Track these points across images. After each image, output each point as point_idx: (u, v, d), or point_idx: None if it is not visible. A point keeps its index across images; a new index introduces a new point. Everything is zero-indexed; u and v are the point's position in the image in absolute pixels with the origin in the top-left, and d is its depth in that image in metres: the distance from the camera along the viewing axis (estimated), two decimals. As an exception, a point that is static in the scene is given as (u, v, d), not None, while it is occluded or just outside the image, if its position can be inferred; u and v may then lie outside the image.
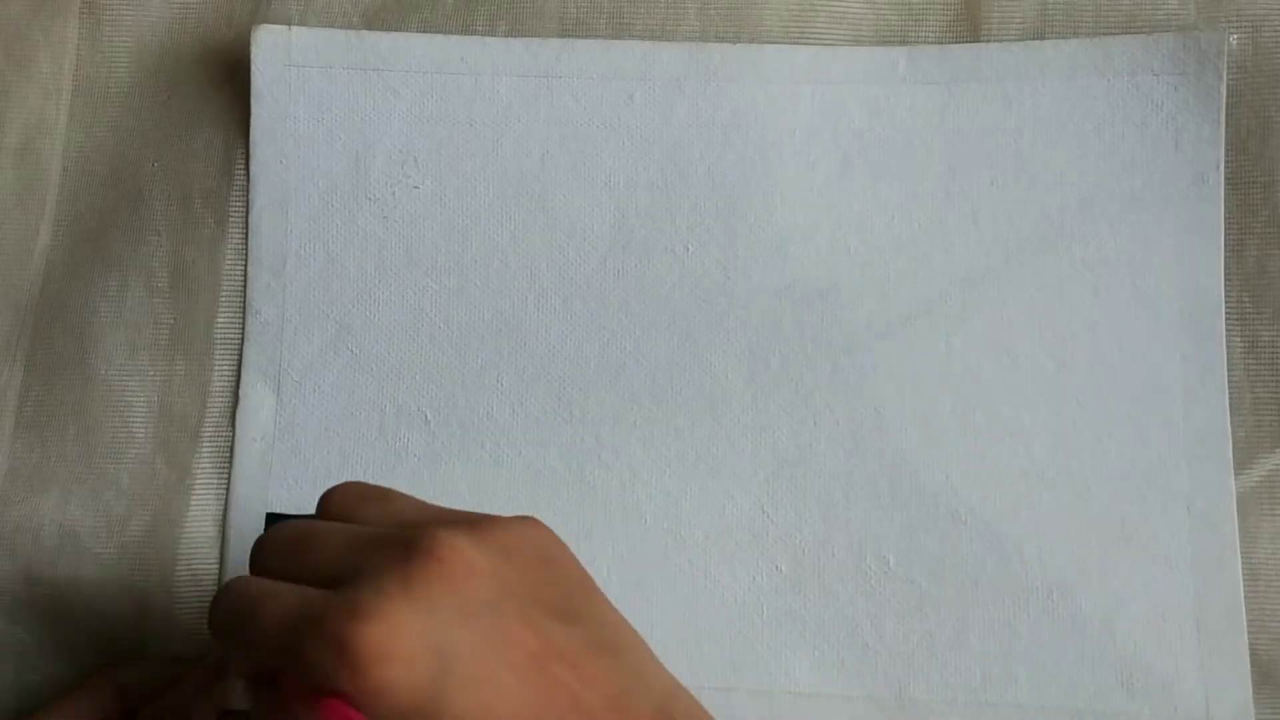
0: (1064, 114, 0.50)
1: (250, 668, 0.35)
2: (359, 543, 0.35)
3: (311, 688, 0.32)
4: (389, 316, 0.50)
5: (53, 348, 0.51)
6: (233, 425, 0.50)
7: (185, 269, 0.51)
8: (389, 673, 0.30)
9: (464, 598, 0.32)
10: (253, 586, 0.35)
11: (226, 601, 0.35)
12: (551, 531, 0.37)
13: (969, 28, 0.51)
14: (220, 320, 0.51)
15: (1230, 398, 0.48)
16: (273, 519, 0.49)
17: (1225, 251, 0.49)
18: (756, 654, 0.47)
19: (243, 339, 0.51)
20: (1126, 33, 0.50)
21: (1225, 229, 0.49)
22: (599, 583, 0.38)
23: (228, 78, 0.52)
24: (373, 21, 0.52)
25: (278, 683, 0.34)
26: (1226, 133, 0.49)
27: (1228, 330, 0.48)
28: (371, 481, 0.47)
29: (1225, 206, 0.49)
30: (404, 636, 0.31)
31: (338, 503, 0.38)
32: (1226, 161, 0.49)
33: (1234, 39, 0.50)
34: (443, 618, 0.32)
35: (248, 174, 0.51)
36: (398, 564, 0.33)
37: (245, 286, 0.51)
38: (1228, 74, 0.49)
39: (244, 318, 0.51)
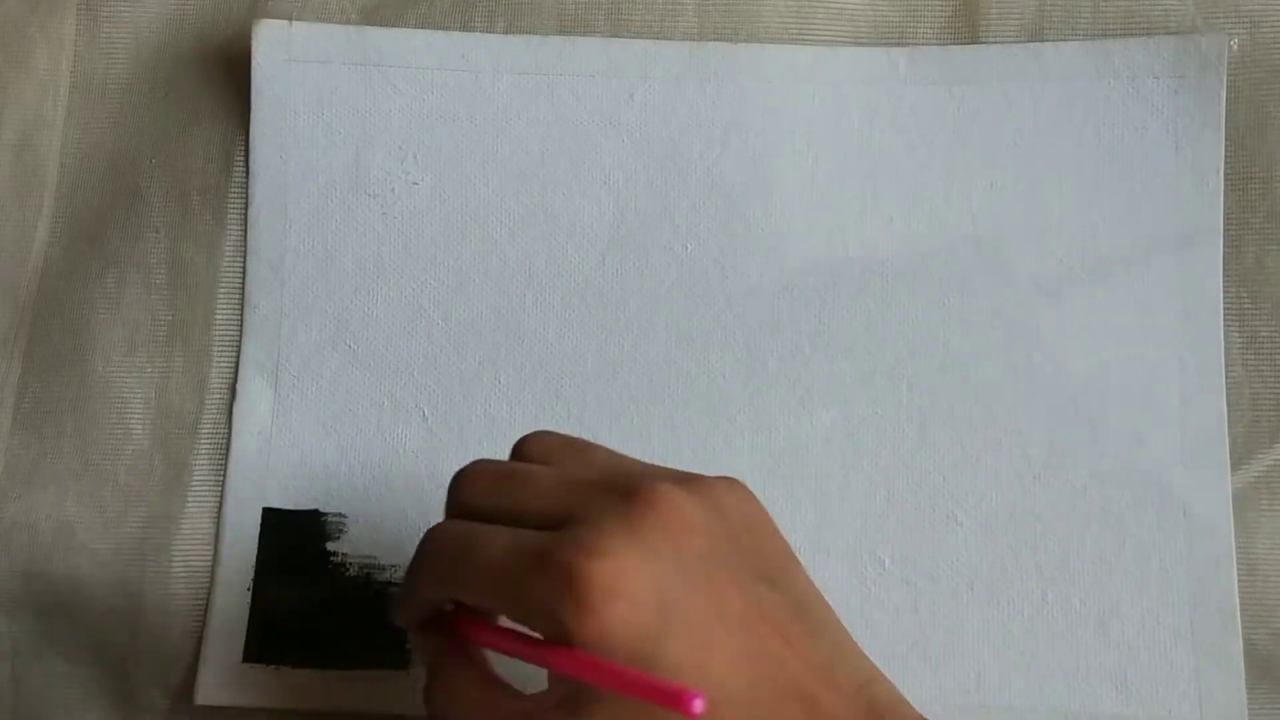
0: (1064, 116, 0.49)
1: (420, 613, 0.35)
2: (575, 486, 0.34)
3: (518, 634, 0.32)
4: (387, 312, 0.50)
5: (50, 344, 0.50)
6: (230, 420, 0.49)
7: (183, 265, 0.50)
8: (616, 610, 0.30)
9: (682, 550, 0.32)
10: (469, 527, 0.34)
11: (442, 540, 0.34)
12: (754, 496, 0.36)
13: (967, 24, 0.50)
14: (219, 317, 0.50)
15: (1228, 394, 0.47)
16: (270, 514, 0.48)
17: (1223, 248, 0.48)
18: (751, 653, 0.46)
19: (240, 334, 0.50)
20: (1125, 28, 0.49)
21: (1223, 225, 0.48)
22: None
23: (225, 74, 0.52)
24: (370, 17, 0.51)
25: (450, 627, 0.34)
26: (1225, 129, 0.48)
27: (1226, 326, 0.48)
28: (368, 478, 0.47)
29: (1223, 203, 0.48)
30: (632, 577, 0.30)
31: (536, 449, 0.37)
32: (1224, 158, 0.48)
33: (1235, 42, 0.49)
34: (664, 565, 0.31)
35: (246, 169, 0.51)
36: (619, 509, 0.32)
37: (244, 281, 0.50)
38: (1226, 70, 0.48)
39: (242, 313, 0.50)
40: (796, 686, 0.32)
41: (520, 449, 0.38)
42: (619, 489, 0.33)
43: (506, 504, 0.34)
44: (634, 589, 0.30)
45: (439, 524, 0.35)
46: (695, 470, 0.35)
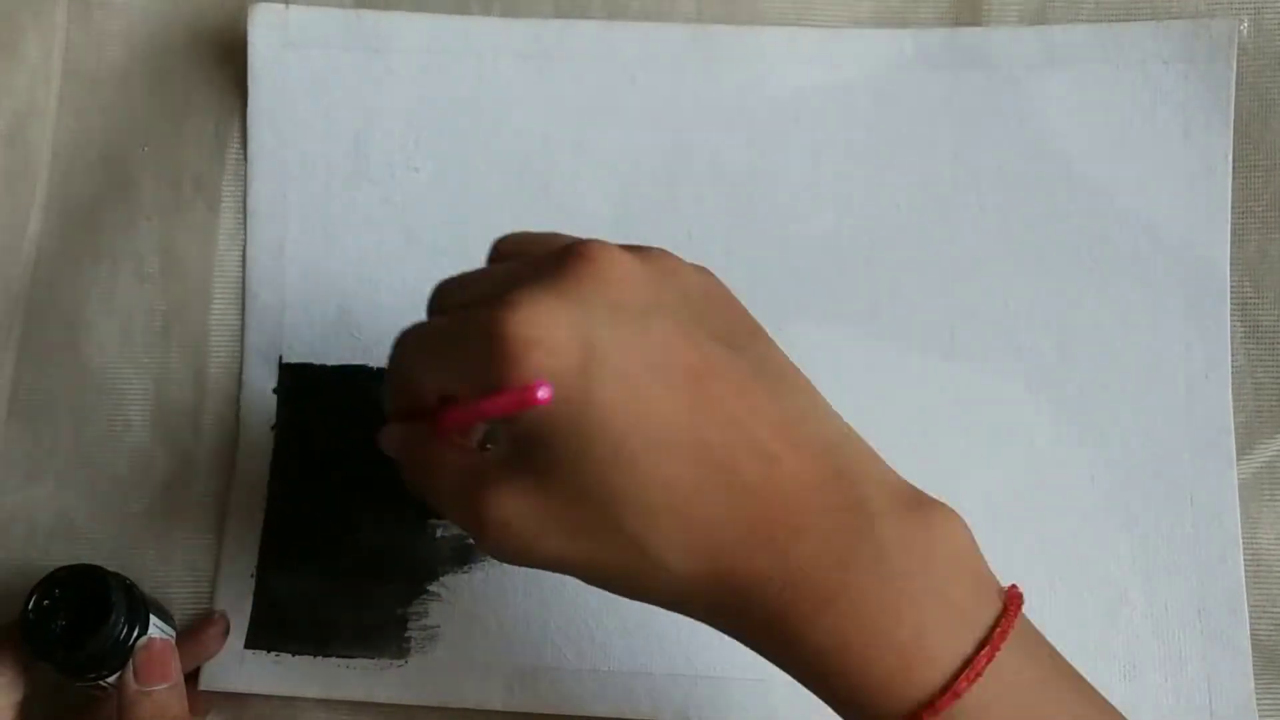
0: (1072, 101, 0.47)
1: (407, 403, 0.34)
2: (519, 264, 0.33)
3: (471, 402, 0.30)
4: (390, 300, 0.48)
5: (44, 336, 0.49)
6: (232, 410, 0.48)
7: (177, 255, 0.49)
8: (536, 357, 0.28)
9: (616, 300, 0.30)
10: (424, 320, 0.34)
11: (404, 332, 0.34)
12: (720, 281, 0.33)
13: (969, 9, 0.49)
14: (215, 306, 0.49)
15: (1231, 383, 0.46)
16: (274, 502, 0.47)
17: (1227, 236, 0.47)
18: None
19: (242, 323, 0.48)
20: (1130, 14, 0.48)
21: (1227, 215, 0.47)
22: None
23: (219, 61, 0.50)
24: (365, 1, 0.50)
25: (432, 417, 0.33)
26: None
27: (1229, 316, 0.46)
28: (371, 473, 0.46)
29: (1229, 190, 0.47)
30: (550, 323, 0.28)
31: (501, 249, 0.36)
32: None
33: (1245, 27, 0.47)
34: (592, 313, 0.29)
35: (244, 156, 0.49)
36: (551, 267, 0.30)
37: (242, 271, 0.48)
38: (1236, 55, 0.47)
39: (241, 302, 0.48)
40: (753, 443, 0.30)
41: (493, 249, 0.36)
42: (555, 252, 0.31)
43: (463, 297, 0.33)
44: (553, 335, 0.28)
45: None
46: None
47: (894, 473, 0.32)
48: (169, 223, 0.49)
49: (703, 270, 0.33)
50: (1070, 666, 0.32)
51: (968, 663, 0.29)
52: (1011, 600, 0.31)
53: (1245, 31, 0.47)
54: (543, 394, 0.28)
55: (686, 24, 0.48)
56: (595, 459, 0.29)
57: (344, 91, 0.48)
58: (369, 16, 0.49)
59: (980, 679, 0.29)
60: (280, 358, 0.47)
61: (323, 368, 0.47)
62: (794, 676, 0.31)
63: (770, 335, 0.33)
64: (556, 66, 0.48)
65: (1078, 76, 0.47)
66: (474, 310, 0.30)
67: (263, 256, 0.48)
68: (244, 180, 0.49)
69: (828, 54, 0.48)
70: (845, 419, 0.34)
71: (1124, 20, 0.47)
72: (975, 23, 0.48)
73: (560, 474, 0.30)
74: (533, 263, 0.32)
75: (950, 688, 0.29)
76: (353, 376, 0.47)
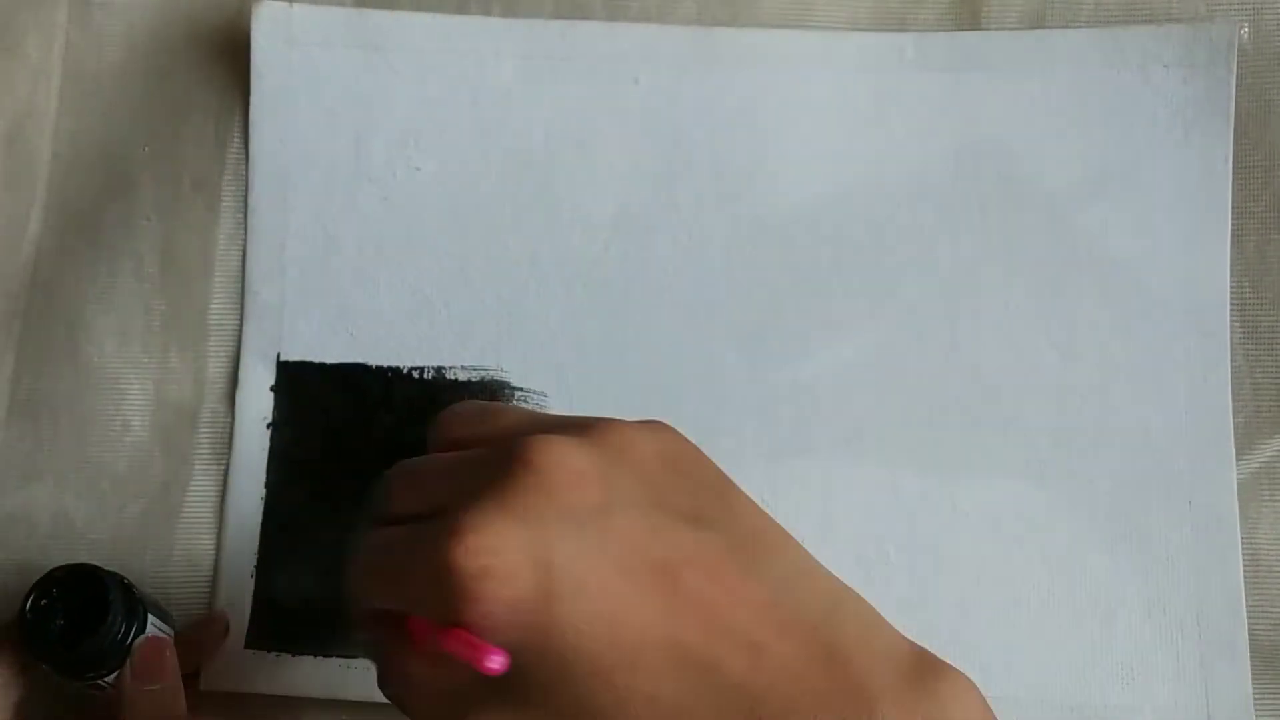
0: (1072, 105, 0.47)
1: (369, 615, 0.31)
2: (458, 467, 0.30)
3: (432, 624, 0.28)
4: (390, 299, 0.48)
5: (43, 335, 0.48)
6: (231, 409, 0.48)
7: (176, 254, 0.49)
8: (490, 589, 0.27)
9: (567, 505, 0.28)
10: (372, 537, 0.31)
11: (357, 559, 0.31)
12: (679, 434, 0.31)
13: (968, 11, 0.49)
14: (214, 306, 0.48)
15: (1230, 384, 0.46)
16: (271, 501, 0.46)
17: (1225, 238, 0.47)
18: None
19: (241, 320, 0.48)
20: (1128, 17, 0.48)
21: (1225, 216, 0.47)
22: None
23: (219, 61, 0.50)
24: (365, 0, 0.49)
25: (403, 626, 0.30)
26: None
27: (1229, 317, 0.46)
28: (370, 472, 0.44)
29: (1228, 192, 0.47)
30: (500, 550, 0.27)
31: (443, 429, 0.33)
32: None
33: (1245, 30, 0.47)
34: (544, 527, 0.27)
35: (244, 156, 0.49)
36: (495, 479, 0.28)
37: (242, 269, 0.48)
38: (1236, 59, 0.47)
39: (241, 301, 0.48)
40: (734, 634, 0.27)
41: (431, 430, 0.34)
42: (496, 457, 0.29)
43: (405, 502, 0.31)
44: (505, 561, 0.27)
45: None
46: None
47: (896, 635, 0.29)
48: (168, 222, 0.48)
49: (656, 430, 0.31)
50: None
51: None
52: None
53: (1245, 35, 0.47)
54: (494, 664, 0.27)
55: (687, 25, 0.48)
56: (571, 681, 0.27)
57: (345, 90, 0.48)
58: (372, 15, 0.48)
59: None
60: (278, 356, 0.47)
61: (321, 366, 0.47)
62: None
63: (738, 486, 0.31)
64: (557, 67, 0.48)
65: (1078, 80, 0.47)
66: (421, 534, 0.28)
67: (262, 255, 0.48)
68: (244, 180, 0.48)
69: (830, 56, 0.48)
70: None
71: (1123, 24, 0.47)
72: (974, 25, 0.48)
73: (539, 699, 0.28)
74: (478, 464, 0.30)
75: None
76: (351, 375, 0.47)
